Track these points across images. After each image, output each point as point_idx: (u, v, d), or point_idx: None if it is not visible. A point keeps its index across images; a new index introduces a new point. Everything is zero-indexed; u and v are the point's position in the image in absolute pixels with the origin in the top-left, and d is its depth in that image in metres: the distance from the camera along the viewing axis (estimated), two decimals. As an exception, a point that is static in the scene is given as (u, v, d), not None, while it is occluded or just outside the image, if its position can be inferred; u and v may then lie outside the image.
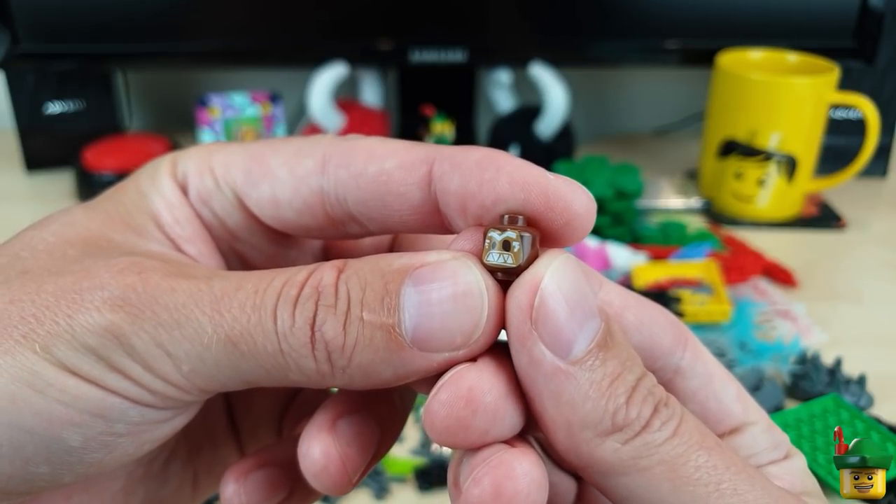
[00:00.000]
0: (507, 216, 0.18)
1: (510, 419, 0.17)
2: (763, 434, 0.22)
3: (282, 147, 0.21)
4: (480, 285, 0.17)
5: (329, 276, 0.18)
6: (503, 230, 0.18)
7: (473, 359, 0.18)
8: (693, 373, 0.22)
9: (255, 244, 0.23)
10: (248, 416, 0.26)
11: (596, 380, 0.17)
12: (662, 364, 0.22)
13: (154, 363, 0.17)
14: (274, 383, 0.18)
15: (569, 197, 0.18)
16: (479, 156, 0.19)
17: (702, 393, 0.22)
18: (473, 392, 0.17)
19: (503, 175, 0.18)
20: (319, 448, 0.20)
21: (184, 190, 0.22)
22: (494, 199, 0.18)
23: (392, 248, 0.25)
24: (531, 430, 0.19)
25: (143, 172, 0.22)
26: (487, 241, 0.18)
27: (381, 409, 0.21)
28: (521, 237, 0.18)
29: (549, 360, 0.17)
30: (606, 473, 0.17)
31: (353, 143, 0.21)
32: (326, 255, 0.25)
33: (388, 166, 0.20)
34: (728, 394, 0.22)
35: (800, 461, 0.22)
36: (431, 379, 0.18)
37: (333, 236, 0.22)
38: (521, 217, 0.18)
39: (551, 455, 0.24)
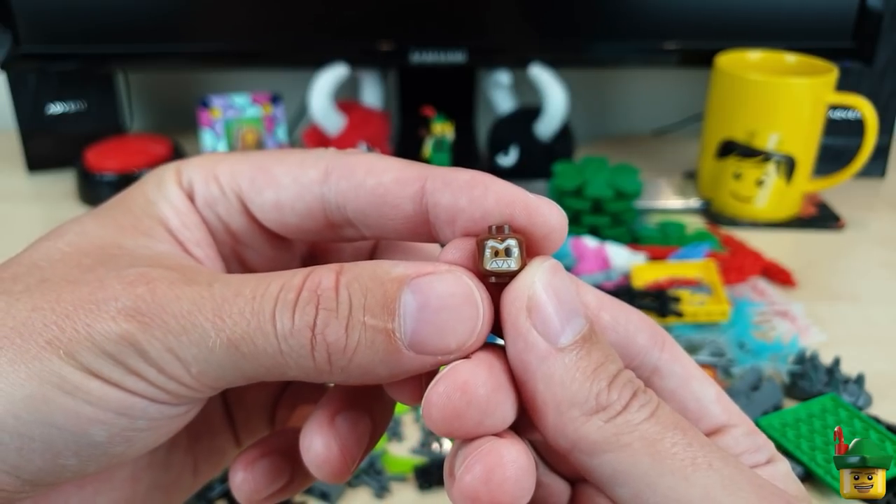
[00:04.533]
0: (494, 227, 0.20)
1: (501, 411, 0.19)
2: (744, 437, 0.23)
3: (285, 157, 0.23)
4: (477, 296, 0.19)
5: (328, 280, 0.19)
6: (501, 239, 0.20)
7: (467, 356, 0.19)
8: (671, 372, 0.23)
9: (254, 247, 0.25)
10: (243, 409, 0.28)
11: (582, 365, 0.19)
12: (640, 362, 0.23)
13: (166, 366, 0.19)
14: (274, 379, 0.20)
15: (547, 213, 0.20)
16: (467, 176, 0.21)
17: (680, 392, 0.23)
18: (468, 384, 0.18)
19: (490, 193, 0.20)
20: (321, 442, 0.21)
21: (190, 196, 0.23)
22: (483, 213, 0.20)
23: (373, 254, 0.27)
24: (524, 433, 0.21)
25: (149, 181, 0.24)
26: (489, 250, 0.20)
27: (373, 403, 0.23)
28: (519, 245, 0.20)
29: (542, 345, 0.19)
30: (591, 451, 0.19)
31: (354, 158, 0.22)
32: (313, 258, 0.27)
33: (385, 180, 0.21)
34: (707, 395, 0.23)
35: (783, 466, 0.22)
36: (409, 388, 0.20)
37: (330, 239, 0.24)
38: (506, 226, 0.20)
39: (546, 459, 0.25)
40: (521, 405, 0.20)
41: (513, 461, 0.18)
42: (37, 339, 0.18)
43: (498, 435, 0.19)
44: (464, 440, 0.19)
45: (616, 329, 0.23)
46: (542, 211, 0.20)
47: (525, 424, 0.20)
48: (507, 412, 0.19)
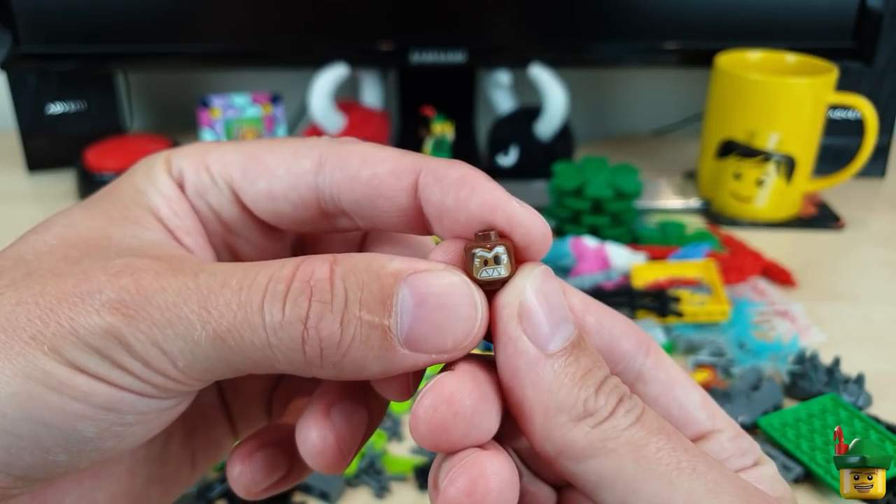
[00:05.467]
0: (480, 233, 0.20)
1: (487, 422, 0.19)
2: (730, 441, 0.23)
3: (278, 146, 0.23)
4: (475, 297, 0.19)
5: (322, 271, 0.19)
6: (489, 247, 0.19)
7: (451, 368, 0.19)
8: (655, 379, 0.23)
9: (246, 236, 0.24)
10: (239, 399, 0.27)
11: (570, 371, 0.19)
12: (624, 367, 0.23)
13: (152, 360, 0.18)
14: (262, 372, 0.19)
15: (528, 224, 0.20)
16: (459, 174, 0.20)
17: (663, 399, 0.23)
18: (454, 396, 0.18)
19: (475, 196, 0.20)
20: (317, 433, 0.21)
21: (180, 185, 0.23)
22: (466, 217, 0.20)
23: (362, 243, 0.26)
24: (509, 442, 0.21)
25: (138, 170, 0.23)
26: (478, 259, 0.19)
27: (368, 394, 0.23)
28: (507, 251, 0.19)
29: (532, 351, 0.19)
30: (578, 457, 0.19)
31: (348, 147, 0.22)
32: (302, 248, 0.27)
33: (379, 171, 0.21)
34: (691, 400, 0.23)
35: (770, 468, 0.22)
36: (397, 383, 0.20)
37: (323, 229, 0.24)
38: (492, 232, 0.20)
39: (530, 466, 0.25)
40: (505, 414, 0.20)
41: (496, 473, 0.18)
42: (21, 335, 0.18)
43: (481, 447, 0.19)
44: (448, 452, 0.19)
45: (601, 333, 0.23)
46: (523, 221, 0.20)
47: (509, 433, 0.20)
48: (491, 422, 0.19)
